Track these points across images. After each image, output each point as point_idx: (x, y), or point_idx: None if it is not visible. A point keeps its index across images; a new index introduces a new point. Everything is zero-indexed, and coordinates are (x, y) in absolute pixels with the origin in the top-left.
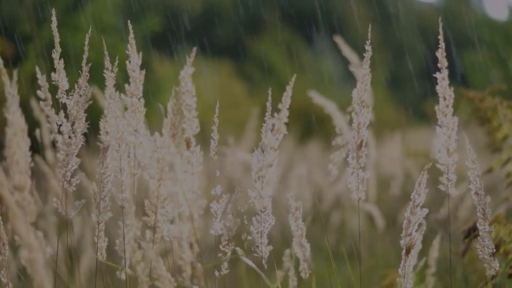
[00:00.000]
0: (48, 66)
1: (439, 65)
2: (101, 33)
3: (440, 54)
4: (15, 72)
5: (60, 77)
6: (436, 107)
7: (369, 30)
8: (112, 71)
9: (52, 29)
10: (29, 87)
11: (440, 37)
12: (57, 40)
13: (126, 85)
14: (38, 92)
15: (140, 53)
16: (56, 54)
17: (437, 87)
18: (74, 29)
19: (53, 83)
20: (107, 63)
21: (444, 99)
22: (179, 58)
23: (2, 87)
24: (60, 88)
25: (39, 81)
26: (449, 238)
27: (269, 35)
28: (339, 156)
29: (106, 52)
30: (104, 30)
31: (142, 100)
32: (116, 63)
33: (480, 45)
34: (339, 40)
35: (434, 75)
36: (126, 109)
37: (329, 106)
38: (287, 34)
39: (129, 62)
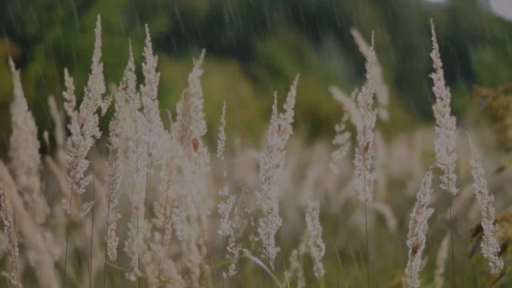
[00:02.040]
0: (58, 67)
1: (434, 65)
2: (108, 34)
3: (434, 55)
4: (17, 73)
5: (97, 81)
6: (434, 107)
7: (373, 35)
8: (135, 72)
9: (97, 32)
10: (37, 88)
11: (433, 38)
12: (98, 44)
13: (141, 86)
14: (64, 93)
15: (156, 56)
16: (95, 57)
17: (434, 88)
18: (80, 30)
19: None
20: (130, 63)
21: (441, 99)
22: (186, 59)
23: (12, 89)
24: (97, 91)
25: (66, 83)
26: (456, 238)
27: (275, 36)
28: (340, 155)
29: (131, 53)
30: (110, 31)
31: (156, 102)
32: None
33: (488, 43)
34: (356, 34)
35: (429, 75)
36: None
37: (348, 103)
38: (293, 34)
39: (145, 63)
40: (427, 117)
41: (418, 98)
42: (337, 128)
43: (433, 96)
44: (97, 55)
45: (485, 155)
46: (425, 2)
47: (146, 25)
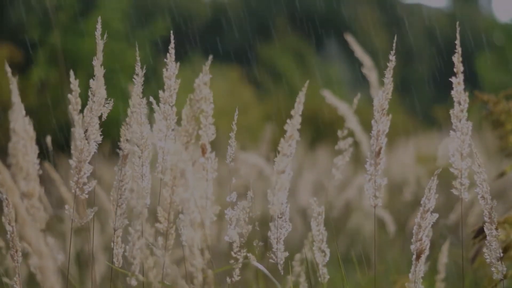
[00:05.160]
0: (60, 72)
1: (454, 69)
2: (109, 39)
3: (457, 58)
4: (14, 79)
5: (99, 85)
6: (451, 112)
7: (395, 40)
8: (142, 77)
9: (97, 35)
10: (39, 93)
11: (457, 41)
12: (100, 47)
13: (160, 92)
14: (69, 96)
15: (178, 63)
16: (97, 61)
17: (452, 92)
18: (81, 35)
19: (91, 89)
20: (137, 68)
21: (459, 103)
22: (189, 63)
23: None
24: (96, 95)
25: (71, 86)
26: (459, 243)
27: (278, 41)
28: (342, 160)
29: (138, 58)
30: (112, 36)
31: (174, 108)
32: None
33: (489, 48)
34: (350, 39)
35: (450, 79)
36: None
37: (342, 107)
38: (296, 39)
39: (166, 70)
40: (427, 122)
41: (419, 103)
42: (339, 133)
43: (436, 101)
44: (99, 58)
45: (487, 160)
46: (427, 6)
47: (171, 32)
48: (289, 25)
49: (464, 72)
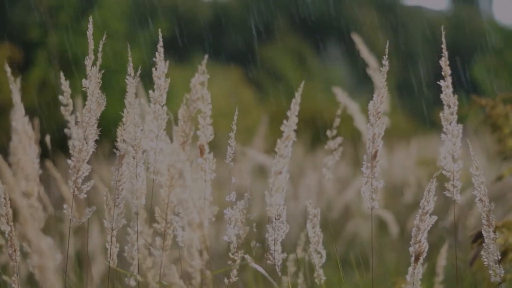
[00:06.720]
0: (60, 72)
1: (442, 73)
2: (109, 39)
3: (444, 62)
4: (18, 80)
5: (91, 85)
6: (441, 114)
7: (387, 46)
8: (134, 77)
9: (89, 35)
10: (39, 93)
11: (443, 45)
12: (91, 47)
13: (150, 92)
14: (60, 97)
15: (167, 62)
16: (89, 61)
17: (442, 95)
18: (81, 35)
19: (83, 89)
20: (129, 69)
21: (449, 106)
22: (190, 64)
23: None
24: (94, 95)
25: (62, 87)
26: (457, 246)
27: (278, 42)
28: (333, 160)
29: (130, 58)
30: (111, 36)
31: (165, 108)
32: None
33: (489, 52)
34: (357, 39)
35: (438, 82)
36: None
37: (352, 107)
38: (296, 41)
39: (155, 69)
40: (428, 124)
41: (420, 106)
42: (328, 133)
43: (437, 104)
44: (91, 58)
45: (487, 162)
46: (427, 9)
47: (159, 30)
48: (290, 26)
49: (463, 74)
